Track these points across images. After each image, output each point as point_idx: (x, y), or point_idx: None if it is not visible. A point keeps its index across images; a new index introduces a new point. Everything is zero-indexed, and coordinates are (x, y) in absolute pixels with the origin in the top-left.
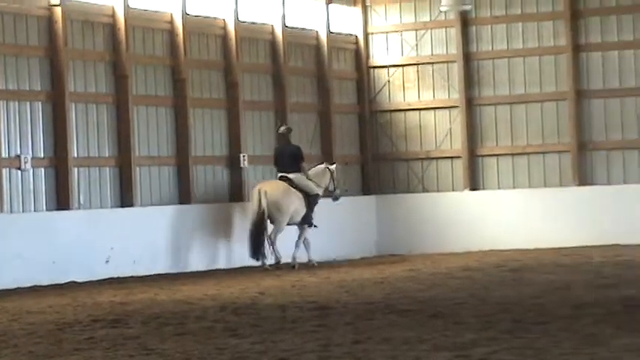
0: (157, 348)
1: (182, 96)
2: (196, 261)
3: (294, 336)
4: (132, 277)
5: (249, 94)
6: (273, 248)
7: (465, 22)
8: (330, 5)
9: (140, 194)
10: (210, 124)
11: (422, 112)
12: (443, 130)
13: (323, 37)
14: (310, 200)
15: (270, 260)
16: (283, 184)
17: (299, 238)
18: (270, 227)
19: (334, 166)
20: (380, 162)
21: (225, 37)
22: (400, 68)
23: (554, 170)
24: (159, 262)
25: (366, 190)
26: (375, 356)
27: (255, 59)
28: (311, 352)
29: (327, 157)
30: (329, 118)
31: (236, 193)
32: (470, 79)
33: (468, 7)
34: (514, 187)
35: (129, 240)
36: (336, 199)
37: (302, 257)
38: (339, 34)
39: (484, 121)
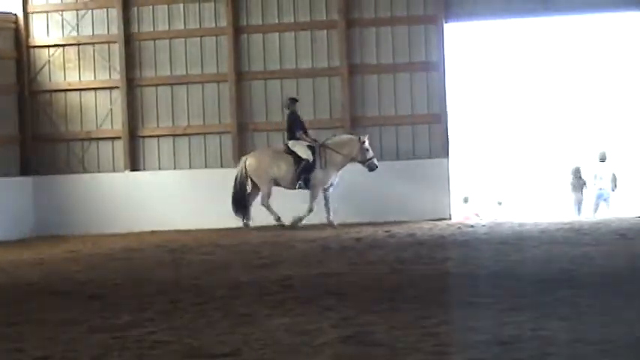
0: None
1: None
2: None
3: None
4: None
5: None
6: (269, 211)
7: (126, 2)
8: None
9: None
10: None
11: (83, 92)
12: (104, 111)
13: None
14: (300, 164)
15: (251, 220)
16: (271, 150)
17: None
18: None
19: (366, 137)
20: (39, 143)
21: None
22: (61, 48)
23: (215, 151)
24: None
25: (24, 171)
26: (31, 338)
27: None
28: None
29: None
30: None
31: None
32: (131, 60)
33: None
34: (175, 168)
35: None
36: (370, 168)
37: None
38: None
39: (145, 102)
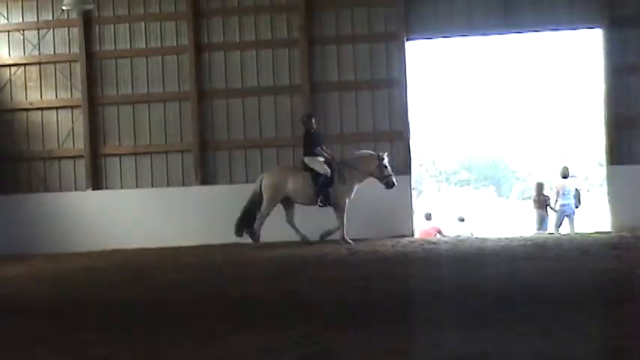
0: None
1: None
2: None
3: None
4: None
5: None
6: (257, 230)
7: (88, 21)
8: None
9: None
10: None
11: (44, 111)
12: (65, 130)
13: None
14: (318, 180)
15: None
16: (286, 167)
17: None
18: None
19: (385, 154)
20: (1, 162)
21: None
22: (22, 67)
23: (177, 169)
24: None
25: None
26: None
27: None
28: None
29: None
30: None
31: None
32: (93, 79)
33: (89, 7)
34: (137, 187)
35: None
36: (388, 185)
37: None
38: None
39: (107, 121)
